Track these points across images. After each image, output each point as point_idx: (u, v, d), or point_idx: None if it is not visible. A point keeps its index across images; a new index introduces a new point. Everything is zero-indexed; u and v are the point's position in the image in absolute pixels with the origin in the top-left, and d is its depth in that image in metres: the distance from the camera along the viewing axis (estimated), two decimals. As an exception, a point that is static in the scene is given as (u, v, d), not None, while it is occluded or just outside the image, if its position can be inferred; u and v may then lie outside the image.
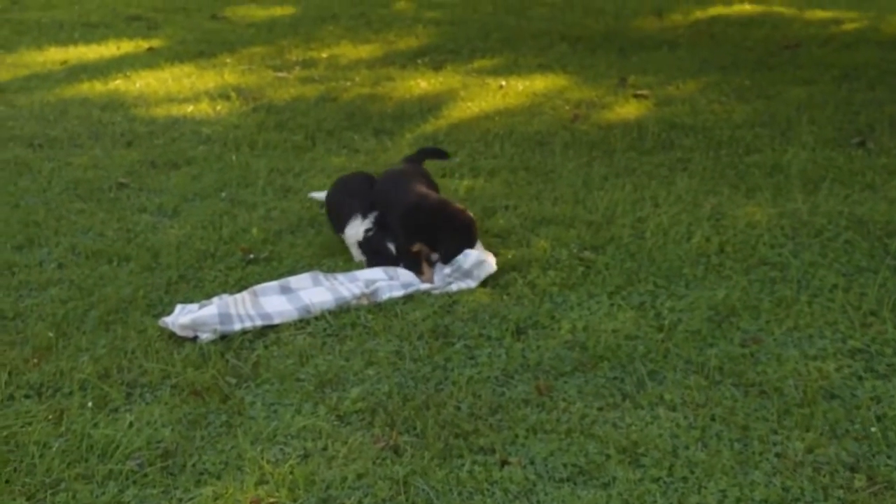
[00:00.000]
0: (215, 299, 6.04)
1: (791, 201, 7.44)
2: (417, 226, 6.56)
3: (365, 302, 6.11)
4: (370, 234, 6.68)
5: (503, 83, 11.16)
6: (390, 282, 6.29)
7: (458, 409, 5.05)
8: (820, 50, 12.80)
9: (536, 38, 13.50)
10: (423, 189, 6.82)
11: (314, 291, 6.15)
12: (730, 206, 7.42)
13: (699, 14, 15.50)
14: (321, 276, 6.31)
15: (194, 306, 5.98)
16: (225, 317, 5.79)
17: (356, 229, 6.72)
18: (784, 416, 4.91)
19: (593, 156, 8.73)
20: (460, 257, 6.36)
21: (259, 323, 5.86)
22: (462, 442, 4.78)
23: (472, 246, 6.46)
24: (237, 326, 5.79)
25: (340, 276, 6.32)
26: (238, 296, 6.02)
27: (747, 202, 7.52)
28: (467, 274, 6.33)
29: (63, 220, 7.30)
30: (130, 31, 13.76)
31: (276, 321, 5.92)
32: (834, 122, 9.48)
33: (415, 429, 4.89)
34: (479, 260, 6.36)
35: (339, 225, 6.87)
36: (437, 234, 6.52)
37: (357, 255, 6.72)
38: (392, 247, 6.62)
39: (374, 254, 6.62)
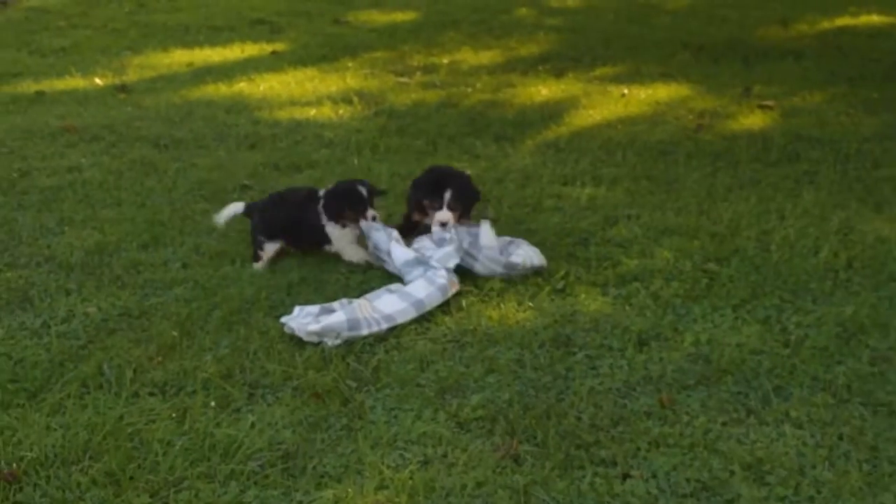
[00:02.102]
0: (336, 304, 6.05)
1: (922, 217, 7.29)
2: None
3: (455, 289, 6.18)
4: (331, 186, 6.76)
5: (625, 91, 11.07)
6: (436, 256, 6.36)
7: (580, 419, 5.00)
8: (951, 62, 12.51)
9: (659, 47, 13.37)
10: None
11: (418, 285, 6.18)
12: (858, 221, 7.27)
13: (825, 24, 15.23)
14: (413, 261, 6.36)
15: (314, 308, 6.00)
16: (353, 322, 5.80)
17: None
18: (915, 438, 4.80)
19: (717, 166, 8.62)
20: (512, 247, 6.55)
21: (385, 326, 5.88)
22: (583, 453, 4.74)
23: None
24: (365, 331, 5.80)
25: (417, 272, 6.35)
26: (356, 302, 6.03)
27: (876, 217, 7.37)
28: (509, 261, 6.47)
29: (188, 221, 7.38)
30: (254, 34, 13.90)
31: (399, 321, 5.93)
32: (966, 136, 9.26)
33: (535, 438, 4.85)
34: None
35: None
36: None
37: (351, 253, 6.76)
38: (363, 188, 6.65)
39: (338, 198, 6.68)
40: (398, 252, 6.42)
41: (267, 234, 6.74)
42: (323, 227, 6.70)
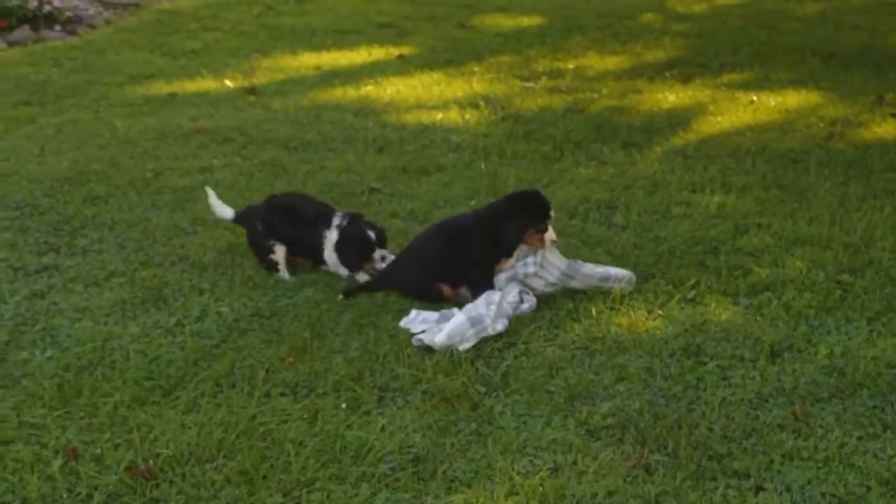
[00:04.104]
0: (455, 308, 6.07)
1: None
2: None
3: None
4: (345, 223, 6.68)
5: (754, 98, 10.94)
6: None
7: (711, 430, 4.96)
8: None
9: (788, 53, 13.18)
10: None
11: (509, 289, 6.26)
12: None
13: (961, 31, 14.90)
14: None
15: (433, 315, 6.06)
16: (475, 319, 5.82)
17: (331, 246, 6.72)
18: None
19: (849, 175, 8.48)
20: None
21: (504, 322, 5.94)
22: (715, 464, 4.70)
23: None
24: (490, 330, 5.82)
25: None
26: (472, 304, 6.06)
27: None
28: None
29: (317, 223, 7.44)
30: (381, 38, 13.98)
31: (518, 312, 6.08)
32: None
33: (666, 448, 4.82)
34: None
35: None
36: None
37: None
38: (372, 234, 6.62)
39: (351, 244, 6.63)
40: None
41: (276, 238, 6.73)
42: (323, 251, 6.72)
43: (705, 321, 6.01)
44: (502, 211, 6.33)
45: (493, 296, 6.04)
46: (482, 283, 6.28)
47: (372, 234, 6.63)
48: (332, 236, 6.67)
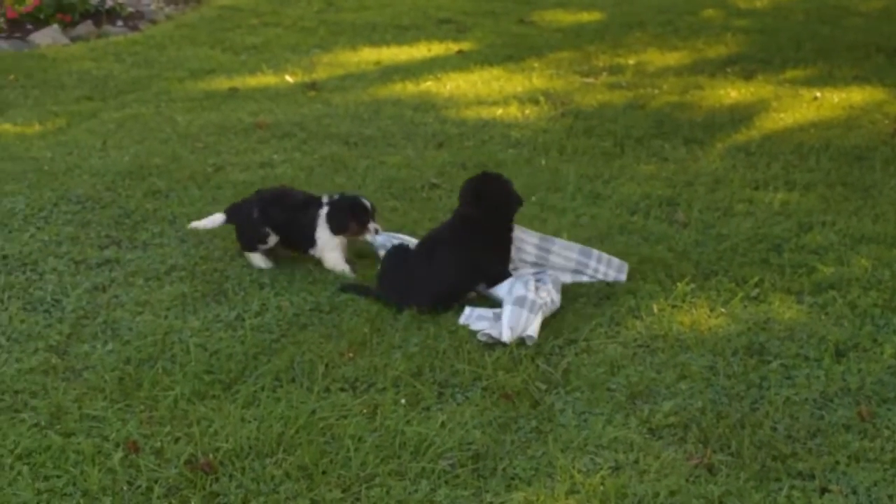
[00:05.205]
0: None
1: None
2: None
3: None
4: (336, 197, 6.74)
5: (817, 95, 10.80)
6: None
7: (775, 430, 4.90)
8: None
9: (851, 50, 13.00)
10: None
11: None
12: None
13: None
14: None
15: (487, 312, 6.04)
16: (520, 299, 5.84)
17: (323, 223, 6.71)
18: None
19: (916, 173, 8.37)
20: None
21: (556, 296, 6.08)
22: (780, 465, 4.64)
23: None
24: (539, 309, 5.85)
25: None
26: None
27: None
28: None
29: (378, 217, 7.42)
30: (440, 33, 13.94)
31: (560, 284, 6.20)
32: None
33: (729, 448, 4.77)
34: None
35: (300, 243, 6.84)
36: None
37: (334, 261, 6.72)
38: (367, 202, 6.69)
39: (345, 208, 6.67)
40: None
41: (270, 226, 6.74)
42: (314, 231, 6.70)
43: (769, 319, 5.94)
44: None
45: (518, 280, 6.13)
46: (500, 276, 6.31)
47: (367, 202, 6.70)
48: (322, 212, 6.70)
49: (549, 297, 6.01)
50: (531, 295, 5.87)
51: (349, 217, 6.68)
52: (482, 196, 6.34)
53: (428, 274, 6.19)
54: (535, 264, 6.47)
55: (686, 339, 5.73)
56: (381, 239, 6.74)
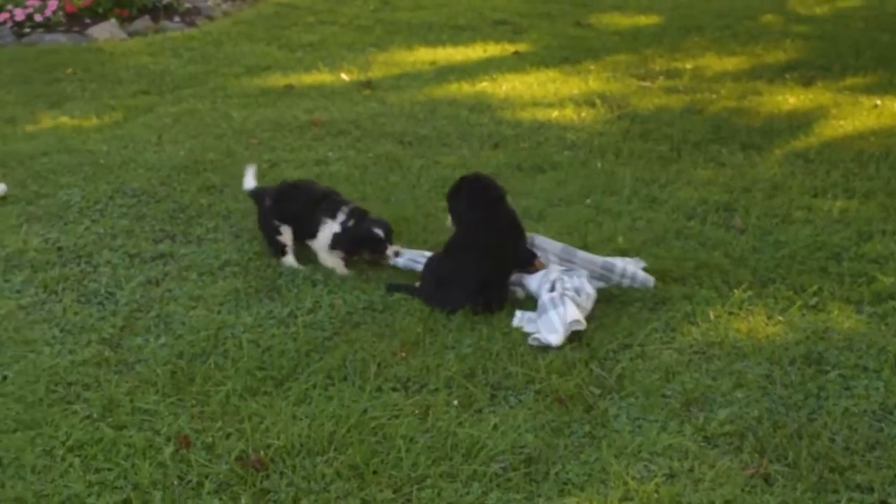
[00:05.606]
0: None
1: None
2: None
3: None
4: (350, 223, 6.63)
5: (878, 102, 10.66)
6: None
7: (833, 441, 4.82)
8: None
9: (912, 58, 12.85)
10: None
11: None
12: None
13: None
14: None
15: (532, 315, 6.00)
16: (555, 301, 5.85)
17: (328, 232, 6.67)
18: None
19: (978, 183, 8.24)
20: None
21: (588, 289, 6.09)
22: (837, 477, 4.57)
23: None
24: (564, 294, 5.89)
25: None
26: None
27: None
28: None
29: (431, 218, 7.40)
30: (496, 34, 13.90)
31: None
32: None
33: (786, 458, 4.70)
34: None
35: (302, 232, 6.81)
36: None
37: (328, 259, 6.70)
38: (381, 231, 6.60)
39: (356, 242, 6.62)
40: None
41: (282, 219, 6.76)
42: (318, 222, 6.69)
43: (827, 329, 5.85)
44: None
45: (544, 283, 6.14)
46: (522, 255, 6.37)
47: (380, 232, 6.64)
48: (332, 224, 6.67)
49: (576, 283, 6.04)
50: (546, 296, 5.90)
51: (361, 247, 6.70)
52: (460, 189, 6.47)
53: (451, 273, 6.20)
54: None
55: (743, 347, 5.65)
56: (402, 261, 6.71)
